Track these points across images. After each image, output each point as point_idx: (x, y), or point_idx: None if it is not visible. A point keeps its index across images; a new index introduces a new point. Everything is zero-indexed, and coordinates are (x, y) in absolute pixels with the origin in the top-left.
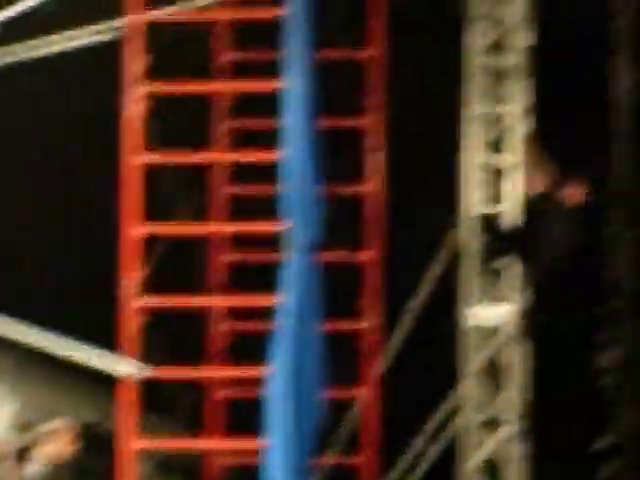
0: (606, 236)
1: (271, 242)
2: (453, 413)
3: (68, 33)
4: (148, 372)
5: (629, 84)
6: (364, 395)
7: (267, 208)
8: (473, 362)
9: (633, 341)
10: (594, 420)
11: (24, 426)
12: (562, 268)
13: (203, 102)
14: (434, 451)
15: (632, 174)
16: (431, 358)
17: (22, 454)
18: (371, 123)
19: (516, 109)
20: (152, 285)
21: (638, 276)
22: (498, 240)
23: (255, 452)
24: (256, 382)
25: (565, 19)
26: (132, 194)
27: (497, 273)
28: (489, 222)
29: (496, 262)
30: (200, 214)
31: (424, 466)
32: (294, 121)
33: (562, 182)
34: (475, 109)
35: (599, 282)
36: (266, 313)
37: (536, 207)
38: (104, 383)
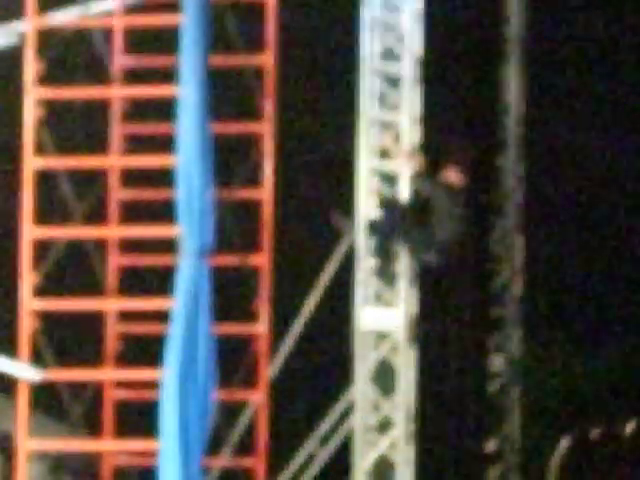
0: (492, 244)
1: (166, 246)
2: (345, 415)
3: None
4: (43, 374)
5: (517, 91)
6: (256, 398)
7: (162, 213)
8: (365, 365)
9: (517, 348)
10: (482, 424)
11: None
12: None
13: (100, 107)
14: (326, 453)
15: (519, 182)
16: (324, 360)
17: None
18: (263, 129)
19: (408, 116)
20: (48, 288)
21: (523, 284)
22: (389, 233)
23: (150, 454)
24: (151, 384)
25: (456, 27)
26: (28, 197)
27: (390, 277)
28: (378, 222)
29: (389, 264)
30: (95, 218)
31: (315, 469)
32: (188, 127)
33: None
34: (368, 115)
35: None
36: (161, 316)
37: (422, 190)
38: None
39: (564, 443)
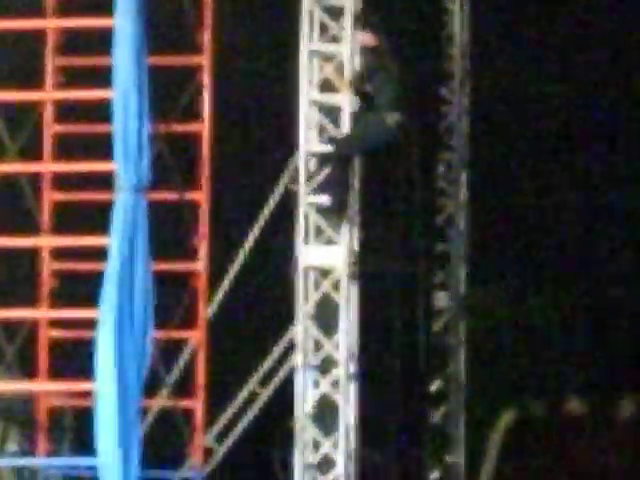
0: (437, 178)
1: (102, 182)
2: (286, 354)
3: None
4: None
5: (461, 21)
6: (195, 337)
7: (98, 147)
8: (306, 303)
9: (462, 285)
10: (426, 363)
11: None
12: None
13: (33, 40)
14: (267, 393)
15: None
16: (264, 298)
17: None
18: (201, 61)
19: (350, 47)
20: None
21: (468, 220)
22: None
23: (86, 394)
24: (87, 323)
25: None
26: None
27: (332, 213)
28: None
29: (344, 195)
30: (29, 153)
31: (256, 408)
32: (123, 59)
33: None
34: (309, 47)
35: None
36: (97, 253)
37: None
38: None
39: (506, 418)
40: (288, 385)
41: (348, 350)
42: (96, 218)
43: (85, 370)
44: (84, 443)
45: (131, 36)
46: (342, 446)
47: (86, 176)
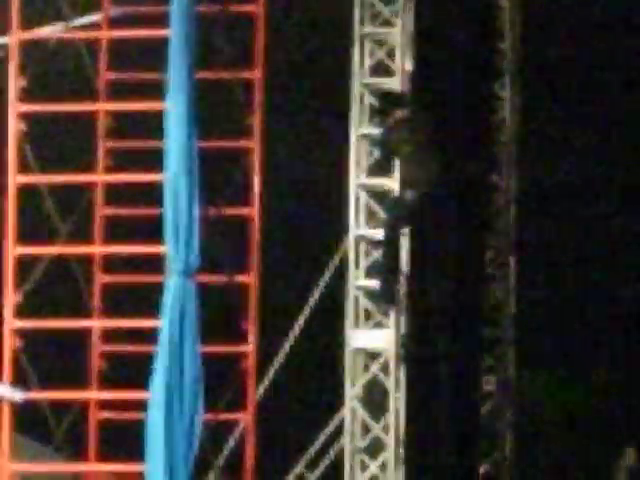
0: (486, 262)
1: (152, 264)
2: (334, 437)
3: None
4: (26, 395)
5: (512, 108)
6: (244, 418)
7: (148, 230)
8: (355, 385)
9: (510, 369)
10: (474, 446)
11: None
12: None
13: (85, 122)
14: (315, 476)
15: (511, 199)
16: (312, 381)
17: None
18: (252, 145)
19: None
20: (32, 306)
21: (517, 303)
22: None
23: (135, 475)
24: (136, 405)
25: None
26: (11, 214)
27: (382, 298)
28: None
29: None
30: (79, 235)
31: None
32: (174, 142)
33: None
34: (359, 131)
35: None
36: (147, 336)
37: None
38: None
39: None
40: (337, 468)
41: (397, 433)
42: (146, 300)
43: (134, 452)
44: None
45: (182, 119)
46: None
47: (136, 259)
